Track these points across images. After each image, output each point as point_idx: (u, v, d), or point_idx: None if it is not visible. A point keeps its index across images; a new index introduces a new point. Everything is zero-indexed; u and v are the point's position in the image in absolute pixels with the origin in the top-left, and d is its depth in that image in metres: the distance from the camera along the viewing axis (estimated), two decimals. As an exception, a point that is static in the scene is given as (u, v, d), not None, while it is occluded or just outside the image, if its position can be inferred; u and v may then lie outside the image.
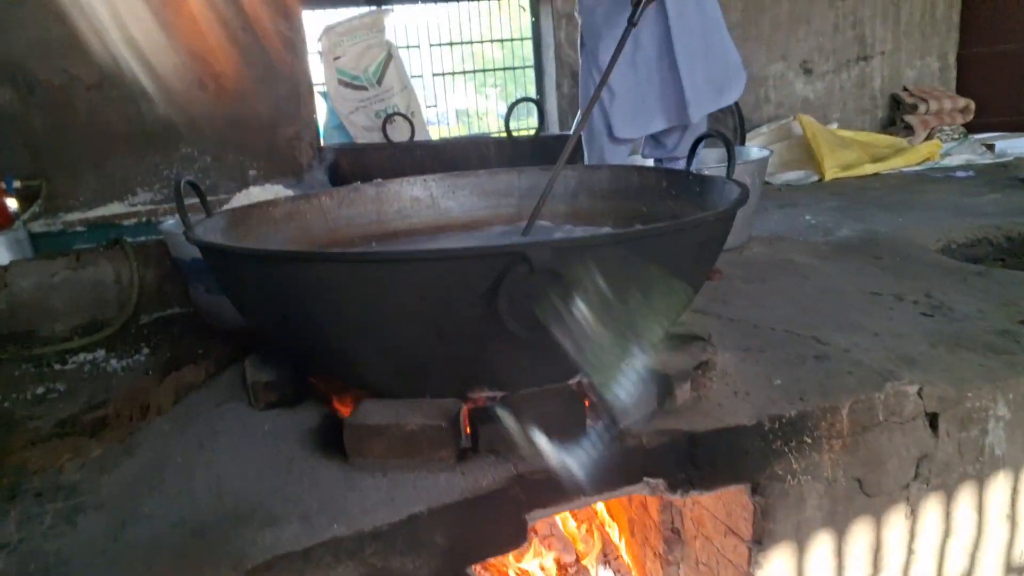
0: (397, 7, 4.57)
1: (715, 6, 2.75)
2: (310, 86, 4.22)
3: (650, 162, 3.11)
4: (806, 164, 5.34)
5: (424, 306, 1.39)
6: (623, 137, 2.76)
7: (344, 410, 1.74)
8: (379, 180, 2.55)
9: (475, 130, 5.93)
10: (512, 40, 5.10)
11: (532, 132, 4.90)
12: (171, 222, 2.74)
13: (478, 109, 6.09)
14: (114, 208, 3.70)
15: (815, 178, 5.21)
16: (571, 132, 2.32)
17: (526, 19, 4.95)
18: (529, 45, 5.16)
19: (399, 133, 4.23)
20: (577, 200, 2.51)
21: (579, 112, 2.82)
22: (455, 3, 4.89)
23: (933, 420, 1.78)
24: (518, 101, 3.35)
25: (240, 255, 1.47)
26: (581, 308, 1.39)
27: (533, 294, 1.35)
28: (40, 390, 2.23)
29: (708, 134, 2.17)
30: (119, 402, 1.98)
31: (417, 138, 4.23)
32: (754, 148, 3.74)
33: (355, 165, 3.28)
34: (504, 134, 3.30)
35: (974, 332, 2.09)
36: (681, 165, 2.94)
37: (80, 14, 3.59)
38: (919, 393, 1.76)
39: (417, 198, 2.60)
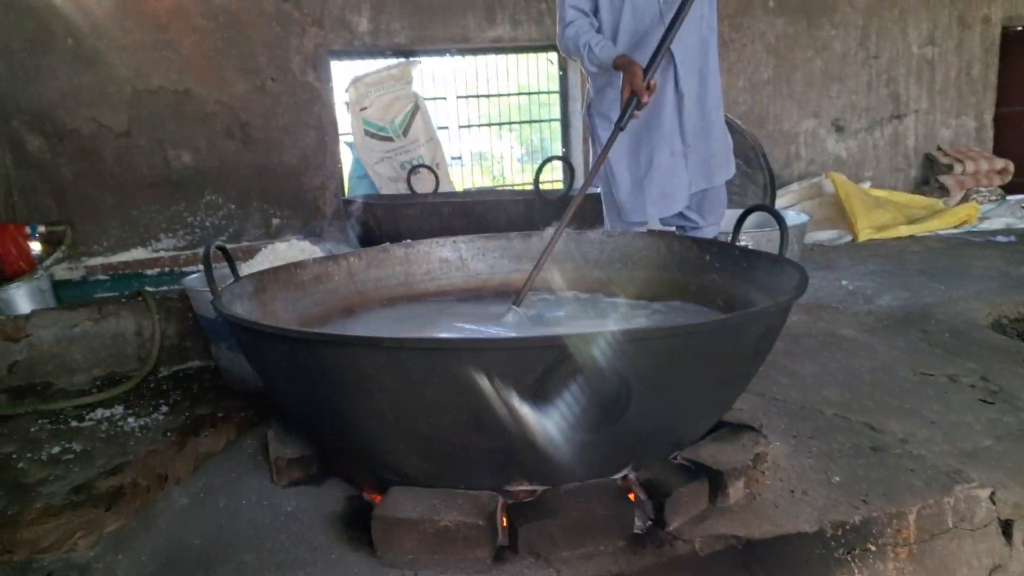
0: (424, 59, 4.61)
1: (716, 84, 2.70)
2: (336, 136, 4.25)
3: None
4: (838, 223, 5.26)
5: (464, 396, 1.32)
6: (631, 221, 2.71)
7: (371, 495, 1.66)
8: (408, 241, 2.51)
9: (493, 173, 5.91)
10: (540, 93, 5.12)
11: (555, 185, 4.89)
12: (194, 277, 2.70)
13: (499, 154, 6.06)
14: (137, 254, 3.70)
15: (848, 238, 5.13)
16: (569, 208, 2.22)
17: (554, 71, 4.98)
18: (556, 98, 5.19)
19: (424, 184, 4.22)
20: (612, 267, 2.44)
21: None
22: (483, 56, 4.93)
23: (1007, 527, 1.66)
24: (547, 160, 3.32)
25: (270, 335, 1.41)
26: (634, 402, 1.32)
27: (584, 390, 1.27)
28: (56, 449, 2.17)
29: (757, 207, 2.11)
30: (136, 470, 1.91)
31: (441, 189, 4.22)
32: (791, 212, 3.69)
33: (381, 220, 3.24)
34: (516, 185, 3.25)
35: (1041, 424, 1.99)
36: (704, 233, 2.88)
37: (109, 64, 3.65)
38: (991, 498, 1.65)
39: (446, 259, 2.55)
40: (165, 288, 3.07)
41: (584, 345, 1.22)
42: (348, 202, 3.52)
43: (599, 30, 2.53)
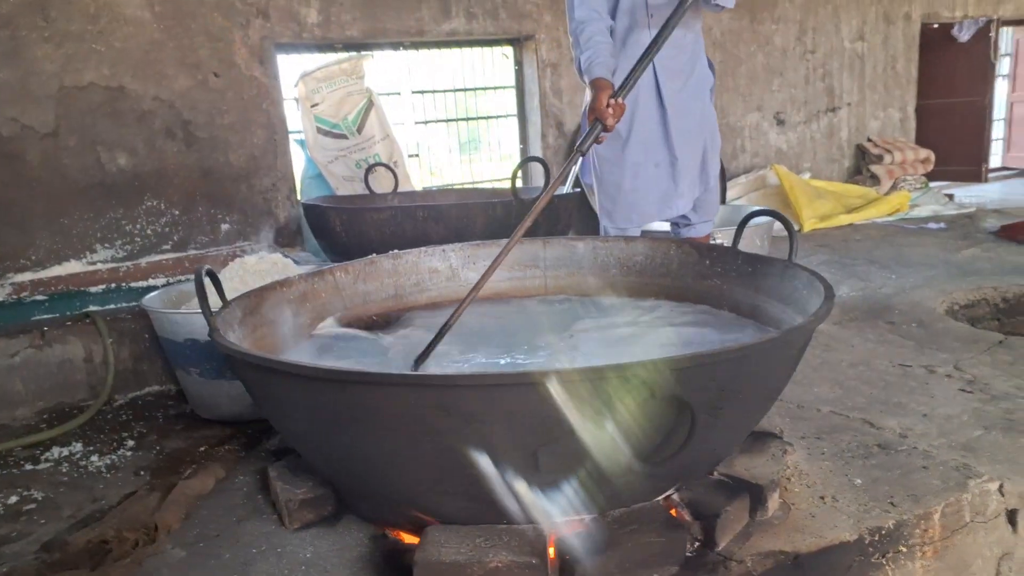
0: (377, 53, 4.43)
1: (704, 85, 2.70)
2: (287, 135, 4.03)
3: (666, 225, 3.05)
4: (784, 214, 5.40)
5: (523, 433, 1.24)
6: (618, 226, 2.69)
7: (398, 533, 1.55)
8: (395, 251, 2.39)
9: (431, 167, 5.74)
10: (496, 88, 5.00)
11: (506, 184, 4.79)
12: (154, 296, 2.50)
13: (433, 147, 5.92)
14: (71, 267, 3.40)
15: (794, 228, 5.26)
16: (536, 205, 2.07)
17: (509, 65, 4.88)
18: (504, 92, 5.08)
19: (381, 184, 4.07)
20: (609, 273, 2.39)
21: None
22: (437, 50, 4.78)
23: (1012, 516, 1.73)
24: (525, 160, 3.24)
25: (293, 375, 1.28)
26: (694, 428, 1.27)
27: (652, 421, 1.22)
28: (12, 499, 1.95)
29: (760, 211, 2.10)
30: (118, 520, 1.73)
31: (400, 189, 4.08)
32: (749, 211, 3.72)
33: (348, 226, 3.08)
34: (457, 184, 3.13)
35: (1022, 412, 2.07)
36: (696, 231, 2.88)
37: (31, 57, 3.32)
38: (1000, 490, 1.71)
39: (436, 269, 2.44)
40: (112, 307, 2.81)
41: (651, 372, 1.16)
42: (311, 207, 3.33)
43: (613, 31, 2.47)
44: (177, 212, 3.70)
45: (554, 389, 1.17)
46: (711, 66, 2.75)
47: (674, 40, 2.35)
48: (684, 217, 2.79)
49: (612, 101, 2.10)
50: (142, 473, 2.05)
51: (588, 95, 2.38)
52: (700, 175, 2.70)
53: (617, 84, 2.17)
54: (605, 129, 2.11)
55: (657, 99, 2.54)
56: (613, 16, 2.47)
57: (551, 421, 1.21)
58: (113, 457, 2.16)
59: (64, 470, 2.10)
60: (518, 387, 1.18)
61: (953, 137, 6.75)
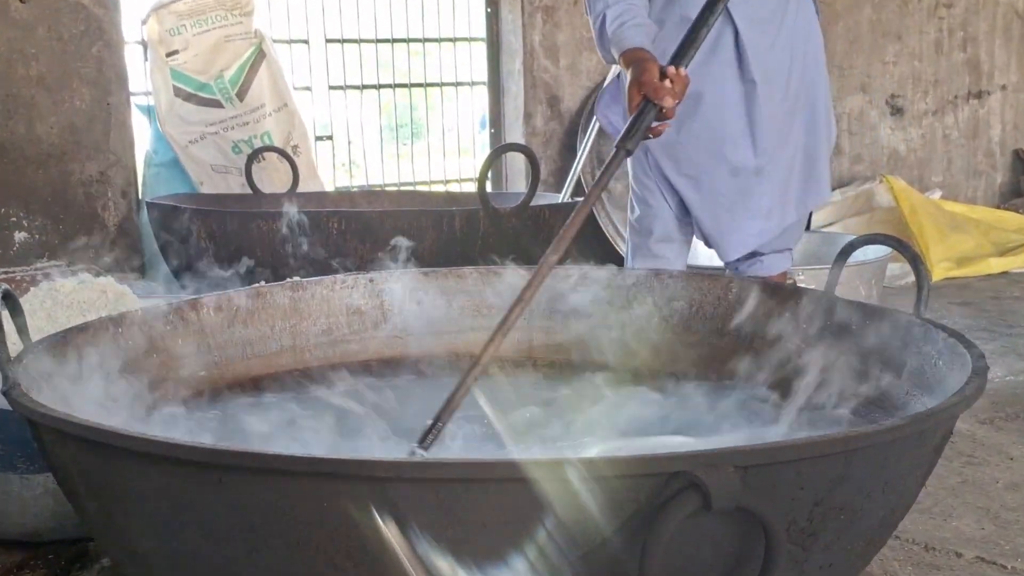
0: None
1: (817, 58, 2.84)
2: (127, 98, 4.08)
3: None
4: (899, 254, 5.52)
5: (502, 547, 1.26)
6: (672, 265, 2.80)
7: None
8: (296, 279, 2.44)
9: (348, 155, 5.81)
10: (456, 40, 5.07)
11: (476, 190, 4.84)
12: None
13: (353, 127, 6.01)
14: None
15: (923, 267, 5.38)
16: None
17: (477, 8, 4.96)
18: (474, 48, 5.18)
19: (272, 180, 4.11)
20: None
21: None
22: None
23: None
24: (501, 149, 3.27)
25: (157, 456, 1.30)
26: (773, 560, 1.29)
27: (701, 548, 1.25)
28: None
29: (871, 237, 2.18)
30: None
31: (304, 189, 4.11)
32: (853, 238, 3.83)
33: (224, 240, 3.11)
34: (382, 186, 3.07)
35: None
36: (768, 266, 2.97)
37: None
38: None
39: (358, 309, 2.48)
40: None
41: (712, 477, 1.19)
42: (160, 208, 3.36)
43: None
44: (-58, 211, 3.71)
45: (553, 485, 1.20)
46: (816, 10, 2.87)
47: None
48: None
49: (672, 70, 2.17)
50: None
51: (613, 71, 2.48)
52: (797, 185, 2.78)
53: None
54: (662, 115, 2.19)
55: (737, 70, 2.62)
56: None
57: (545, 532, 1.23)
58: None
59: None
60: (501, 482, 1.20)
61: None
